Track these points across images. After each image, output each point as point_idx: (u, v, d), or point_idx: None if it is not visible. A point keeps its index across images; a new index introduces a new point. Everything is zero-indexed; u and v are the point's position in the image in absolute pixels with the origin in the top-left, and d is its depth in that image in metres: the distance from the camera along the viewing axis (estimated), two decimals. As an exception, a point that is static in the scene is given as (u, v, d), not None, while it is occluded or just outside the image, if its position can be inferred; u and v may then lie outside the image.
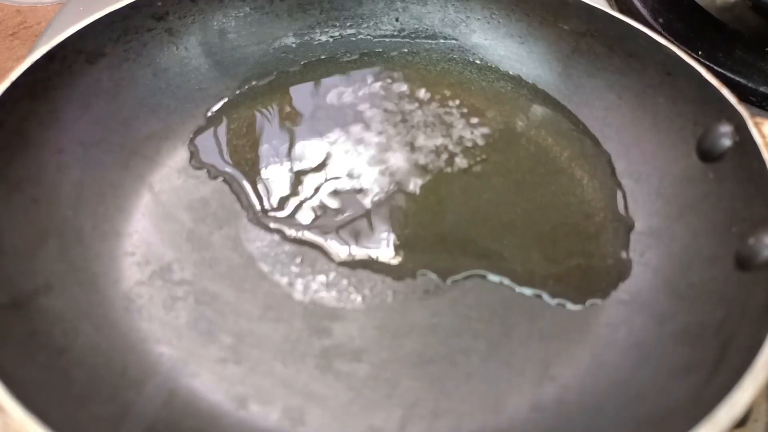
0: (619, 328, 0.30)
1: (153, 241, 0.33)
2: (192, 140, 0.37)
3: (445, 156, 0.38)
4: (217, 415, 0.27)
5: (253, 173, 0.36)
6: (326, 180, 0.36)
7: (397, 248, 0.33)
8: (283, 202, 0.35)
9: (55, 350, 0.26)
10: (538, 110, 0.41)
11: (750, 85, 0.43)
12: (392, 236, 0.33)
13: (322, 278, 0.32)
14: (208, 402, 0.27)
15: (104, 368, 0.27)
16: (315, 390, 0.28)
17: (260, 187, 0.36)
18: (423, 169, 0.37)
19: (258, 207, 0.35)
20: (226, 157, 0.37)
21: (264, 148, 0.38)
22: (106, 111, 0.36)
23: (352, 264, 0.32)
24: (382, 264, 0.32)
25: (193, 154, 0.36)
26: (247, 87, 0.41)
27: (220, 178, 0.36)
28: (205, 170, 0.36)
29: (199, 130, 0.38)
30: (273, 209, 0.35)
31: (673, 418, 0.24)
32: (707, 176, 0.33)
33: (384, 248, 0.33)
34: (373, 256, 0.32)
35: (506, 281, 0.31)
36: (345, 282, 0.31)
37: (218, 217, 0.34)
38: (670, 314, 0.30)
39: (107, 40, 0.36)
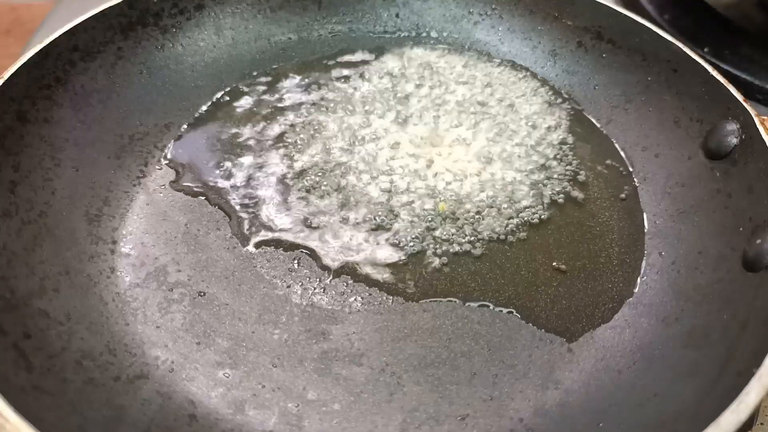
0: (624, 331, 0.30)
1: (148, 242, 0.32)
2: (180, 138, 0.37)
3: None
4: (213, 420, 0.26)
5: (246, 175, 0.36)
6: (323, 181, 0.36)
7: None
8: (280, 204, 0.35)
9: (50, 353, 0.26)
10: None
11: (756, 82, 0.42)
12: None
13: (320, 281, 0.31)
14: (205, 407, 0.27)
15: (99, 372, 0.26)
16: (313, 394, 0.27)
17: (254, 189, 0.35)
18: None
19: (250, 211, 0.34)
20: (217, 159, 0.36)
21: (261, 146, 0.37)
22: (100, 110, 0.35)
23: (349, 270, 0.31)
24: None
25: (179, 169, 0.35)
26: (244, 83, 0.40)
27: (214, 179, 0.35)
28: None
29: (190, 128, 0.37)
30: (267, 213, 0.34)
31: (678, 422, 0.24)
32: (714, 175, 0.32)
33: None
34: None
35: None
36: (344, 285, 0.31)
37: (214, 217, 0.33)
38: (676, 316, 0.29)
39: (102, 38, 0.36)
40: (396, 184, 0.35)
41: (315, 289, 0.31)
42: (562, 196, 0.35)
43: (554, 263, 0.32)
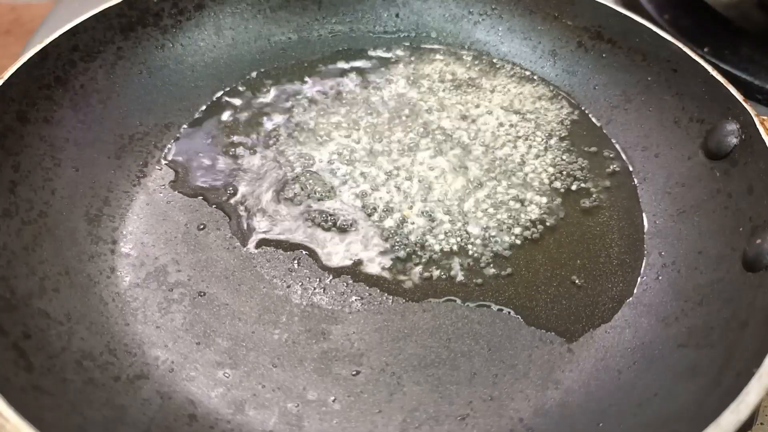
0: (624, 331, 0.30)
1: (148, 242, 0.32)
2: (180, 138, 0.37)
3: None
4: (213, 420, 0.26)
5: (247, 176, 0.36)
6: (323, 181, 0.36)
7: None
8: (281, 205, 0.35)
9: (50, 353, 0.26)
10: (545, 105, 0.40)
11: (756, 82, 0.42)
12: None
13: (320, 281, 0.31)
14: (205, 407, 0.27)
15: (99, 372, 0.26)
16: (313, 394, 0.27)
17: (253, 189, 0.35)
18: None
19: (250, 211, 0.34)
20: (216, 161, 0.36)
21: (261, 147, 0.37)
22: (100, 110, 0.35)
23: (349, 270, 0.31)
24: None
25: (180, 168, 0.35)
26: (243, 83, 0.40)
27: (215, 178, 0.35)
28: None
29: (190, 128, 0.37)
30: (268, 213, 0.34)
31: (678, 422, 0.24)
32: (714, 175, 0.32)
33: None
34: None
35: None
36: (344, 285, 0.31)
37: (214, 217, 0.33)
38: (676, 316, 0.29)
39: (102, 38, 0.36)
40: (396, 186, 0.35)
41: (315, 289, 0.31)
42: (561, 196, 0.35)
43: (571, 277, 0.32)
